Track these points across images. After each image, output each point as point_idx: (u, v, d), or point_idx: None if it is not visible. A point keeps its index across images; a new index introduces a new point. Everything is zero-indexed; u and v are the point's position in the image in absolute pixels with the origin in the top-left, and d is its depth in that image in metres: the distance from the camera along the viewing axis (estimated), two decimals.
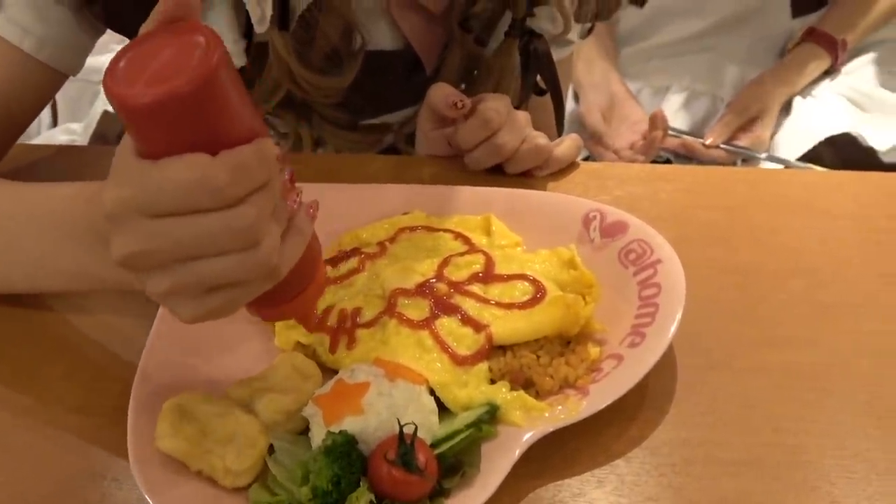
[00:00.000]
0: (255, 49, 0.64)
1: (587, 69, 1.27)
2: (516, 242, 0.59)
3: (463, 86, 0.76)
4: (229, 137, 0.36)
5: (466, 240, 0.58)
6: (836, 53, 1.23)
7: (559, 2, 0.70)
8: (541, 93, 0.76)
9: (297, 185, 0.42)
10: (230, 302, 0.40)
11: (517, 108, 0.69)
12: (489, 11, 0.67)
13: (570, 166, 0.71)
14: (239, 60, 0.62)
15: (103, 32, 0.65)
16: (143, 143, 0.37)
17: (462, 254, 0.55)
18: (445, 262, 0.54)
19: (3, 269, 0.53)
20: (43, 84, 0.64)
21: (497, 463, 0.44)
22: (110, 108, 0.91)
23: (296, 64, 0.62)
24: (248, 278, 0.39)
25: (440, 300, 0.51)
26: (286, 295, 0.43)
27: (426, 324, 0.50)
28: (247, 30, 0.63)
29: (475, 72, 0.74)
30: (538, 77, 0.74)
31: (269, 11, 0.61)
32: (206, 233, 0.37)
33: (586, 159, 1.18)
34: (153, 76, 0.34)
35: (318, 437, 0.44)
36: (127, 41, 0.38)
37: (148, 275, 0.39)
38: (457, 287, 0.52)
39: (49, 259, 0.50)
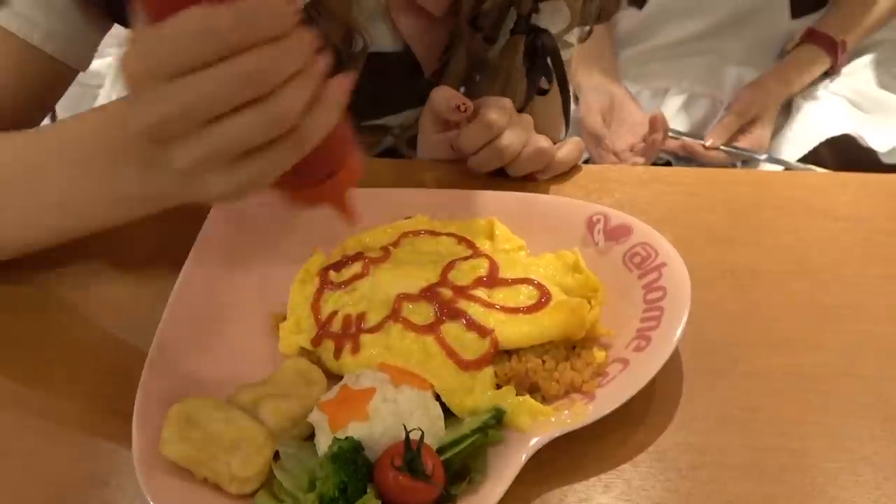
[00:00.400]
0: None
1: (587, 71, 1.27)
2: (520, 246, 0.59)
3: (463, 89, 0.76)
4: None
5: (470, 244, 0.58)
6: (835, 55, 1.23)
7: None
8: (543, 92, 0.76)
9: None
10: (259, 173, 0.40)
11: (522, 109, 0.69)
12: (497, 9, 0.67)
13: (572, 169, 0.71)
14: None
15: (110, 28, 0.64)
16: (150, 7, 0.36)
17: (466, 258, 0.55)
18: (449, 267, 0.54)
19: (33, 213, 0.53)
20: (52, 78, 0.63)
21: (504, 468, 0.43)
22: None
23: None
24: (266, 136, 0.38)
25: (445, 305, 0.51)
26: (315, 174, 0.43)
27: (431, 329, 0.50)
28: None
29: (481, 73, 0.74)
30: (542, 76, 0.74)
31: None
32: (215, 83, 0.36)
33: (586, 161, 1.18)
34: None
35: (323, 443, 0.44)
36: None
37: (172, 149, 0.39)
38: (461, 292, 0.52)
39: (79, 191, 0.50)
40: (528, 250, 0.59)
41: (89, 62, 0.65)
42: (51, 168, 0.51)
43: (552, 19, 0.70)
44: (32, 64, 0.61)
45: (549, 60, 0.73)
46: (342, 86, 0.41)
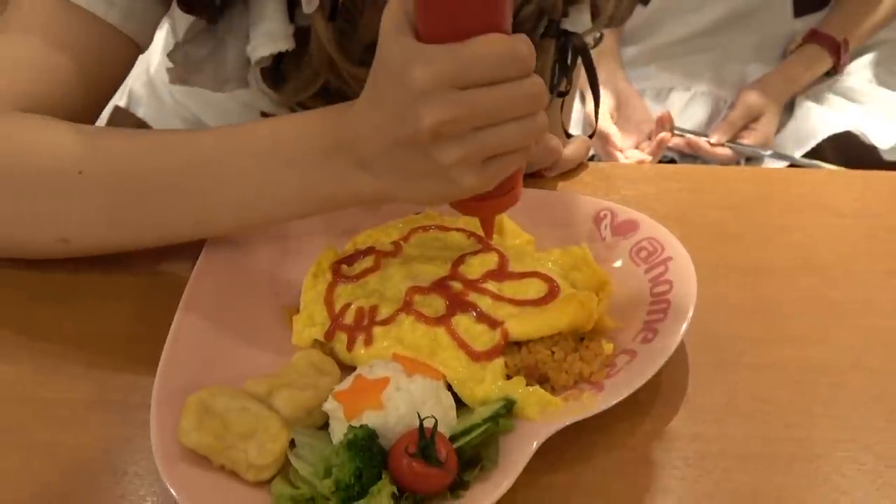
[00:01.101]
0: (295, 35, 0.64)
1: None
2: (528, 241, 0.60)
3: None
4: (504, 23, 0.46)
5: (479, 238, 0.59)
6: (838, 55, 1.24)
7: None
8: (563, 94, 0.77)
9: None
10: (501, 170, 0.48)
11: (546, 109, 0.70)
12: (533, 14, 0.69)
13: (579, 166, 0.72)
14: (287, 43, 0.62)
15: (170, 6, 0.65)
16: (439, 27, 0.45)
17: (475, 252, 0.56)
18: (460, 261, 0.55)
19: (211, 209, 0.55)
20: (124, 57, 0.64)
21: (515, 456, 0.44)
22: (122, 104, 0.91)
23: (337, 53, 0.62)
24: (526, 144, 0.47)
25: (455, 298, 0.52)
26: (495, 191, 0.50)
27: (442, 321, 0.51)
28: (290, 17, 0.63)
29: None
30: (564, 79, 0.75)
31: None
32: (508, 97, 0.45)
33: (592, 159, 1.19)
34: None
35: (338, 431, 0.45)
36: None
37: (443, 146, 0.46)
38: (471, 285, 0.53)
39: (274, 189, 0.53)
40: (536, 245, 0.60)
41: (151, 42, 0.66)
42: (242, 165, 0.53)
43: (580, 23, 0.71)
44: (110, 44, 0.61)
45: (580, 61, 0.74)
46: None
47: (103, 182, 0.55)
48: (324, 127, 0.52)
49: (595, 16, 0.72)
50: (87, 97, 0.62)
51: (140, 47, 0.64)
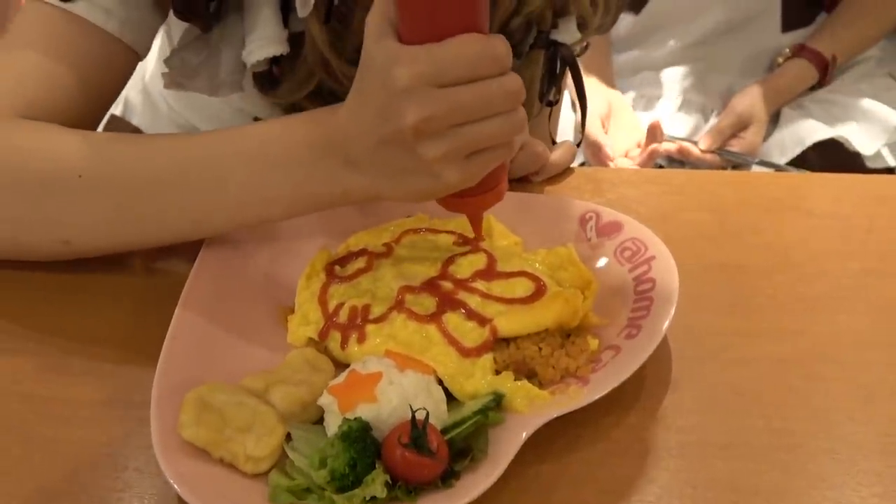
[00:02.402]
0: (289, 40, 0.66)
1: (585, 78, 1.29)
2: (516, 242, 0.62)
3: None
4: (481, 23, 0.47)
5: (468, 240, 0.60)
6: (825, 70, 1.26)
7: (584, 10, 0.73)
8: (552, 104, 0.79)
9: None
10: (483, 166, 0.50)
11: (534, 117, 0.72)
12: (523, 26, 0.71)
13: (565, 171, 0.74)
14: (282, 47, 0.64)
15: (167, 14, 0.66)
16: (419, 29, 0.47)
17: (465, 253, 0.58)
18: (449, 261, 0.57)
19: (206, 209, 0.56)
20: (123, 65, 0.65)
21: (504, 447, 0.46)
22: (117, 113, 0.92)
23: (331, 54, 0.64)
24: (507, 140, 0.49)
25: (446, 296, 0.54)
26: (482, 186, 0.52)
27: (433, 318, 0.52)
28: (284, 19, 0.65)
29: None
30: (553, 88, 0.78)
31: None
32: (487, 94, 0.47)
33: (582, 166, 1.21)
34: None
35: (332, 424, 0.47)
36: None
37: (426, 142, 0.48)
38: (461, 284, 0.55)
39: (264, 188, 0.55)
40: (524, 246, 0.61)
41: (149, 50, 0.67)
42: (235, 166, 0.55)
43: (568, 33, 0.73)
44: (110, 53, 0.63)
45: (567, 72, 0.76)
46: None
47: (102, 185, 0.57)
48: (312, 128, 0.54)
49: (582, 27, 0.74)
50: (87, 105, 0.63)
51: (139, 55, 0.66)
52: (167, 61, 0.69)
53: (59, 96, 0.61)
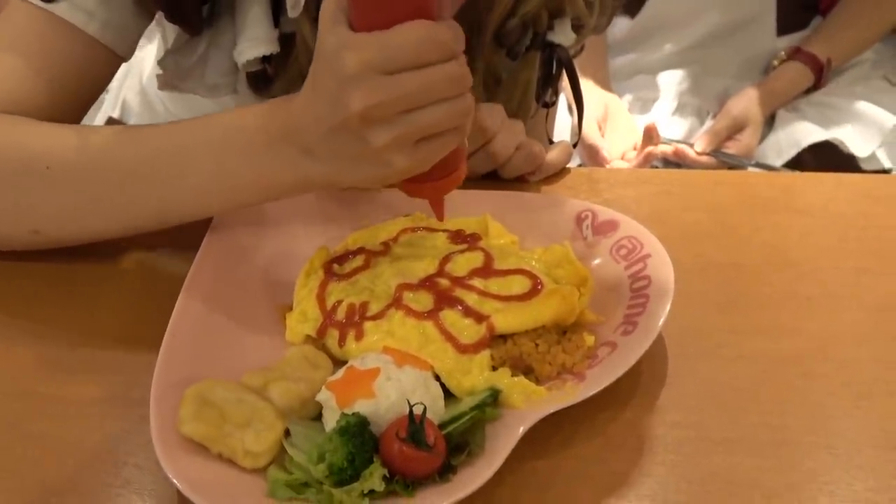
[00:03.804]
0: (281, 40, 0.66)
1: (582, 81, 1.30)
2: (512, 241, 0.62)
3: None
4: (432, 10, 0.47)
5: (465, 238, 0.61)
6: (820, 73, 1.27)
7: (580, 11, 0.74)
8: (549, 105, 0.80)
9: None
10: (433, 152, 0.50)
11: (531, 118, 0.72)
12: (519, 27, 0.71)
13: (562, 171, 0.75)
14: (273, 46, 0.65)
15: (153, 18, 0.67)
16: (367, 16, 0.47)
17: (462, 251, 0.58)
18: (447, 259, 0.57)
19: (172, 198, 0.57)
20: (104, 67, 0.66)
21: (500, 442, 0.46)
22: (115, 115, 0.93)
23: None
24: (455, 125, 0.49)
25: (443, 294, 0.54)
26: (438, 172, 0.53)
27: (431, 315, 0.53)
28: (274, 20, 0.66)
29: (497, 87, 0.77)
30: (549, 90, 0.78)
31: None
32: (431, 81, 0.47)
33: (579, 167, 1.22)
34: None
35: (331, 420, 0.47)
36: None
37: (374, 129, 0.48)
38: (458, 281, 0.55)
39: (228, 177, 0.56)
40: (521, 245, 0.62)
41: (133, 53, 0.68)
42: (198, 155, 0.56)
43: (564, 35, 0.74)
44: (90, 54, 0.64)
45: (564, 73, 0.77)
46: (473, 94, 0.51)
47: (71, 176, 0.58)
48: (270, 117, 0.54)
49: (578, 28, 0.75)
50: (64, 105, 0.64)
51: (121, 58, 0.66)
52: (161, 63, 0.69)
53: (35, 95, 0.62)
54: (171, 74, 0.69)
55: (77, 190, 0.58)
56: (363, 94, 0.47)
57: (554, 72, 0.77)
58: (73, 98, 0.65)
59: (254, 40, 0.64)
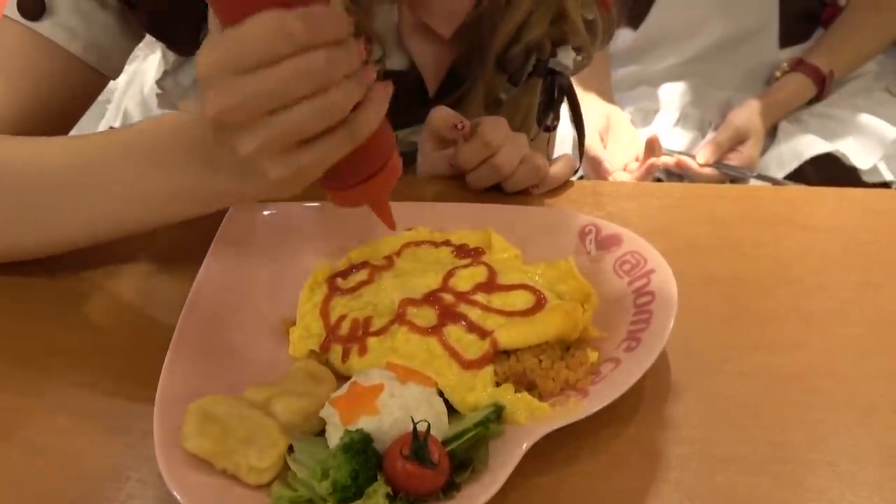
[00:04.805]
0: None
1: (583, 93, 1.31)
2: (516, 256, 0.62)
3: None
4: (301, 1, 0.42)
5: (468, 253, 0.61)
6: (822, 85, 1.28)
7: (583, 41, 0.74)
8: (549, 129, 0.80)
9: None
10: (313, 161, 0.45)
11: (533, 140, 0.73)
12: (523, 54, 0.72)
13: (565, 184, 0.75)
14: None
15: (143, 38, 0.67)
16: (224, 12, 0.42)
17: (465, 266, 0.59)
18: (450, 274, 0.57)
19: (94, 210, 0.56)
20: (88, 86, 0.66)
21: (504, 459, 0.46)
22: (117, 126, 0.93)
23: None
24: (320, 126, 0.43)
25: (446, 309, 0.54)
26: (359, 174, 0.48)
27: (434, 331, 0.53)
28: None
29: (497, 111, 0.78)
30: (551, 114, 0.79)
31: None
32: (283, 78, 0.42)
33: (581, 179, 1.22)
34: None
35: (334, 436, 0.47)
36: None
37: (237, 136, 0.44)
38: (462, 297, 0.55)
39: (145, 186, 0.54)
40: (524, 259, 0.62)
41: (121, 71, 0.68)
42: (118, 163, 0.55)
43: (566, 61, 0.74)
44: (72, 73, 0.64)
45: (563, 99, 0.78)
46: (386, 88, 0.46)
47: None
48: (180, 128, 0.52)
49: (579, 51, 0.75)
50: (45, 123, 0.64)
51: (106, 77, 0.67)
52: (160, 83, 0.70)
53: (13, 111, 0.62)
54: (171, 94, 0.69)
55: (5, 202, 0.57)
56: (213, 97, 0.43)
57: (556, 97, 0.78)
58: (55, 116, 0.65)
59: None
